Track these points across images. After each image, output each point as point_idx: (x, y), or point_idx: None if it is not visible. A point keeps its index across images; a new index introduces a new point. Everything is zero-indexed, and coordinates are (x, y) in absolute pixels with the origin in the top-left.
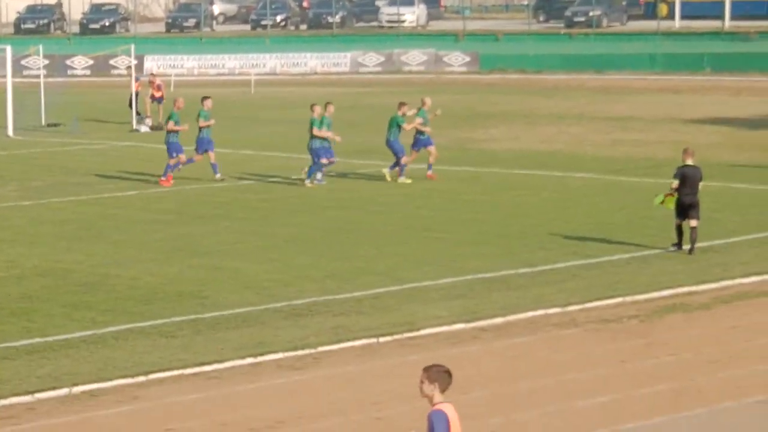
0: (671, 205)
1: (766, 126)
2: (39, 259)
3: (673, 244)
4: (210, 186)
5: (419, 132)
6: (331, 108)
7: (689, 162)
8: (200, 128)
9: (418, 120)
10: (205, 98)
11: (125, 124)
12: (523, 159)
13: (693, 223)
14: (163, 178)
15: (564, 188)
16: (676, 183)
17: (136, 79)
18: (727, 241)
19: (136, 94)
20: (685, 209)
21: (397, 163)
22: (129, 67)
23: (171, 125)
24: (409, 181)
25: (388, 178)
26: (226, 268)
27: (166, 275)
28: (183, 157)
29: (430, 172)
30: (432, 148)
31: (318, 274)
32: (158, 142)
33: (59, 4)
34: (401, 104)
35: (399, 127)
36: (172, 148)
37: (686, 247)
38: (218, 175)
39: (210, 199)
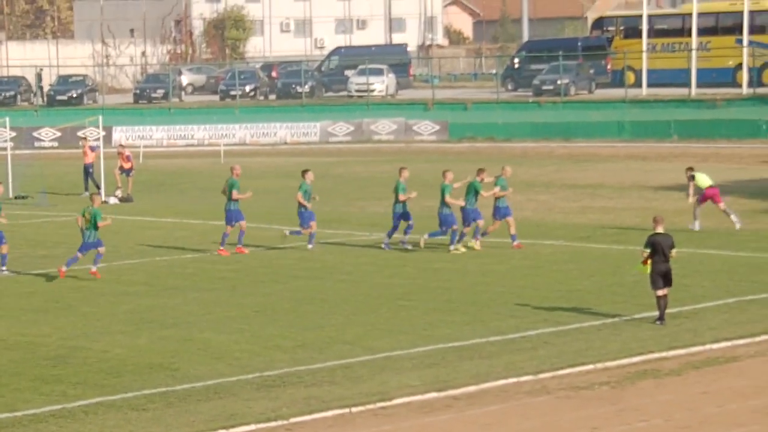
0: (647, 269)
1: (733, 192)
2: (5, 332)
3: (658, 319)
4: (179, 257)
5: (498, 200)
6: (406, 173)
7: (659, 230)
8: (235, 200)
9: (497, 189)
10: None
11: None
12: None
13: (663, 292)
14: (221, 248)
15: (533, 255)
16: (647, 252)
17: (92, 149)
18: (697, 306)
19: (91, 166)
20: (662, 277)
21: (443, 233)
22: (84, 138)
23: (235, 194)
24: (463, 249)
25: (462, 249)
26: (196, 339)
27: (135, 347)
28: (244, 223)
29: (516, 242)
30: (510, 219)
31: (288, 344)
32: (127, 213)
33: (23, 77)
34: (480, 170)
35: (477, 193)
36: (232, 217)
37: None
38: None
39: (179, 270)
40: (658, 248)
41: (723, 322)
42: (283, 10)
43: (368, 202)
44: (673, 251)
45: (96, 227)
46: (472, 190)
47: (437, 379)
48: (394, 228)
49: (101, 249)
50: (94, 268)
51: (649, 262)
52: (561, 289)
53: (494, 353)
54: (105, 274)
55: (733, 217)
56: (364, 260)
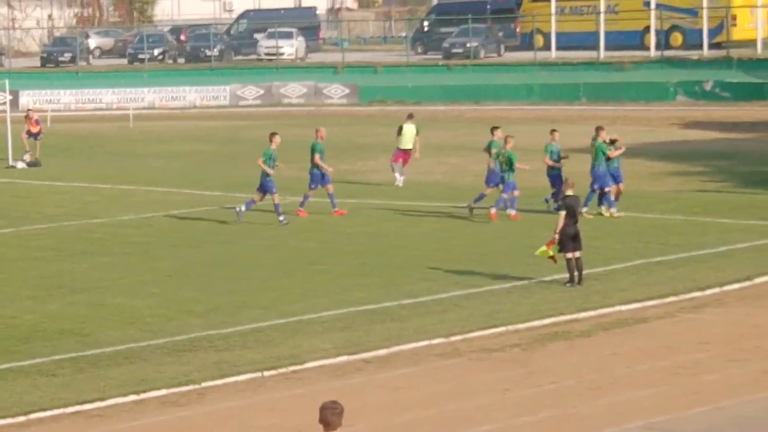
0: (554, 250)
1: (641, 155)
2: None
3: (567, 282)
4: (88, 222)
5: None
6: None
7: (570, 192)
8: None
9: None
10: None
11: (1, 160)
12: (404, 190)
13: (577, 254)
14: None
15: (445, 219)
16: (563, 213)
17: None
18: (607, 268)
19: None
20: (571, 240)
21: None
22: (3, 103)
23: (317, 158)
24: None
25: (606, 214)
26: (108, 304)
27: (45, 313)
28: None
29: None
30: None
31: (201, 308)
32: (35, 178)
33: None
34: (600, 129)
35: (604, 155)
36: (316, 180)
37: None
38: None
39: (89, 235)
40: (570, 210)
41: (632, 284)
42: None
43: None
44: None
45: None
46: (600, 152)
47: (349, 342)
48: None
49: None
50: None
51: (553, 243)
52: (473, 251)
53: (406, 316)
54: (13, 240)
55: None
56: (277, 224)
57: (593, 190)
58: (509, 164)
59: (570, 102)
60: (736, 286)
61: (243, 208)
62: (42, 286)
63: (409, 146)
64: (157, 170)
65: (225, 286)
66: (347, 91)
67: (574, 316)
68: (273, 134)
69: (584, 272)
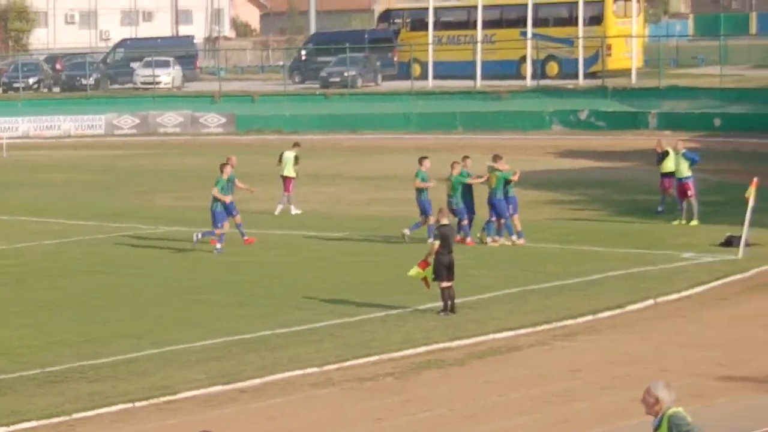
0: (428, 274)
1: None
2: None
3: (441, 311)
4: None
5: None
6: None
7: (445, 221)
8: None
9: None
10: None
11: None
12: (280, 219)
13: (448, 284)
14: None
15: (321, 248)
16: (436, 243)
17: None
18: (482, 297)
19: None
20: (446, 269)
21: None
22: None
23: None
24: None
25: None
26: None
27: None
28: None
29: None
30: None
31: (73, 339)
32: None
33: None
34: (498, 157)
35: (507, 182)
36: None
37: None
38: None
39: None
40: (445, 240)
41: (506, 312)
42: (67, 2)
43: (154, 195)
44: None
45: None
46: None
47: (223, 372)
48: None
49: None
50: None
51: (427, 265)
52: (348, 280)
53: (280, 346)
54: None
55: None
56: (153, 254)
57: (491, 220)
58: (455, 190)
59: (447, 131)
60: (608, 314)
61: (219, 246)
62: None
63: (287, 173)
64: (31, 200)
65: (98, 316)
66: (224, 120)
67: (448, 344)
68: (223, 164)
69: (459, 300)
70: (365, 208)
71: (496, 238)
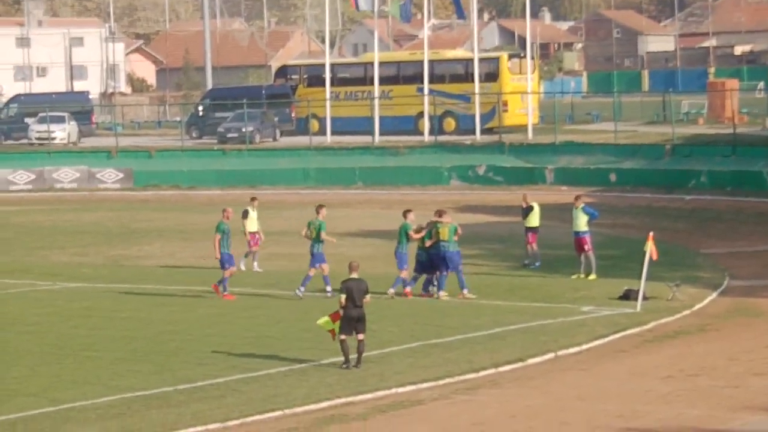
0: (337, 326)
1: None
2: None
3: (343, 364)
4: None
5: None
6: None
7: (354, 276)
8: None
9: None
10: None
11: None
12: (179, 275)
13: (360, 336)
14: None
15: (220, 303)
16: (342, 297)
17: None
18: (383, 351)
19: None
20: (351, 323)
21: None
22: None
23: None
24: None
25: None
26: None
27: None
28: (326, 267)
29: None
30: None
31: None
32: None
33: None
34: (408, 211)
35: (407, 235)
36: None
37: (352, 356)
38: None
39: None
40: (352, 293)
41: (408, 366)
42: None
43: (51, 251)
44: (367, 296)
45: None
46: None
47: (124, 429)
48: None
49: None
50: None
51: (338, 317)
52: (249, 335)
53: (182, 402)
54: None
55: None
56: (48, 311)
57: (444, 273)
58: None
59: (346, 186)
60: (509, 367)
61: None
62: None
63: (253, 229)
64: None
65: None
66: (121, 175)
67: (351, 399)
68: (407, 212)
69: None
70: (264, 263)
71: (441, 293)
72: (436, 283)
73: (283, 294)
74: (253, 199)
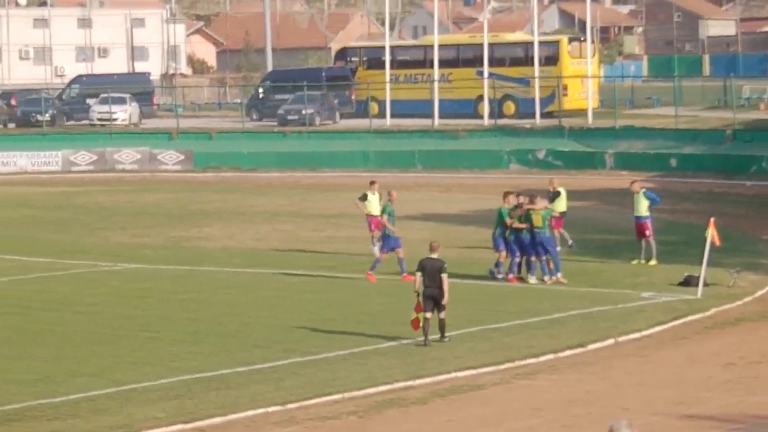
0: (420, 314)
1: (474, 222)
2: None
3: (423, 341)
4: None
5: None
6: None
7: (433, 255)
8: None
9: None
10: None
11: None
12: (237, 257)
13: (441, 315)
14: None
15: (279, 286)
16: (418, 275)
17: None
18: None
19: None
20: (429, 301)
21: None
22: None
23: (385, 220)
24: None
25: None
26: None
27: None
28: (400, 251)
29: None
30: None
31: (30, 377)
32: None
33: None
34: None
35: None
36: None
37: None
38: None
39: None
40: (426, 271)
41: (468, 351)
42: (21, 38)
43: (112, 232)
44: (444, 276)
45: None
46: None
47: (183, 410)
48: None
49: None
50: None
51: (418, 307)
52: (308, 319)
53: (241, 384)
54: None
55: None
56: (109, 291)
57: (542, 259)
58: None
59: (405, 169)
60: (569, 352)
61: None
62: None
63: (375, 212)
64: None
65: (53, 353)
66: (182, 157)
67: (410, 383)
68: (389, 192)
69: (421, 339)
70: (323, 245)
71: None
72: (514, 267)
73: (342, 276)
74: (372, 182)
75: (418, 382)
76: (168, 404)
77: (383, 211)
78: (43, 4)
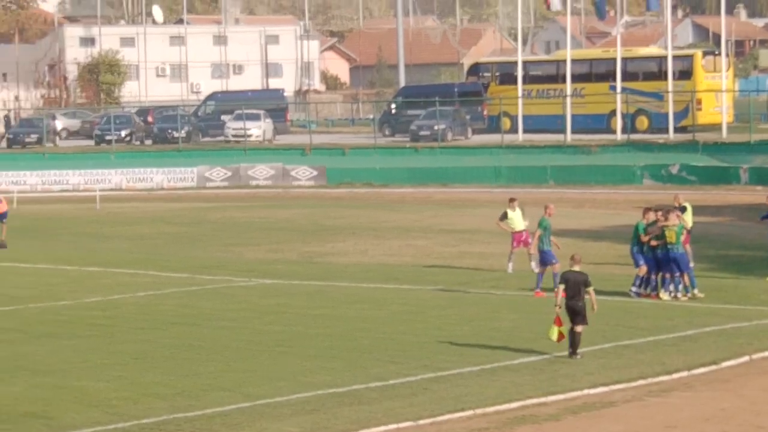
0: (555, 332)
1: (607, 238)
2: None
3: (571, 354)
4: (53, 304)
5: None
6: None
7: (575, 268)
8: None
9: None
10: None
11: None
12: (370, 272)
13: (578, 328)
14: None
15: (412, 301)
16: (561, 288)
17: None
18: None
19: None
20: (569, 314)
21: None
22: None
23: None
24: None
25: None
26: (72, 386)
27: (9, 395)
28: (557, 266)
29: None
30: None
31: (166, 391)
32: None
33: None
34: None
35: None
36: (547, 258)
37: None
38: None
39: (54, 318)
40: (569, 284)
41: (600, 367)
42: (158, 55)
43: (246, 247)
44: (590, 289)
45: None
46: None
47: (316, 425)
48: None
49: None
50: None
51: (558, 321)
52: (440, 334)
53: (374, 399)
54: None
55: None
56: (243, 306)
57: (675, 275)
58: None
59: (538, 184)
60: (703, 369)
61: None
62: (6, 368)
63: (520, 227)
64: (123, 252)
65: (190, 368)
66: (315, 173)
67: (542, 399)
68: (546, 206)
69: (551, 356)
70: (456, 260)
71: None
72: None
73: (474, 292)
74: (511, 200)
75: (550, 398)
76: (301, 419)
77: (539, 225)
78: (180, 21)
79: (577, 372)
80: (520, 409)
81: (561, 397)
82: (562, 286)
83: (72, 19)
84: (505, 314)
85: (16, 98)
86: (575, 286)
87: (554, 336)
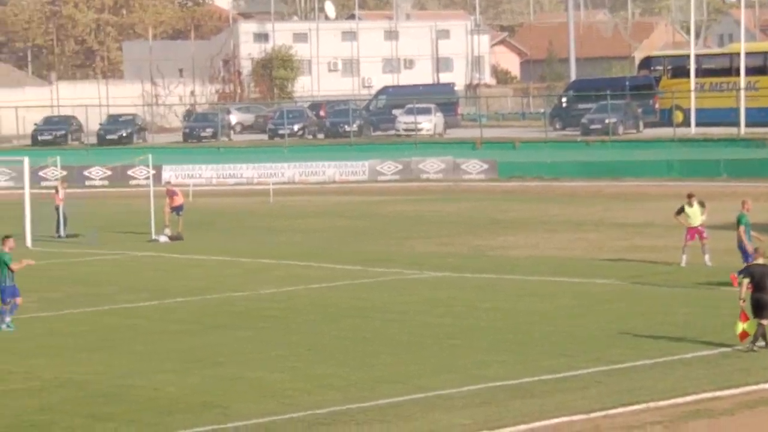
0: (751, 328)
1: None
2: (58, 370)
3: (751, 342)
4: (229, 295)
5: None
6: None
7: (759, 261)
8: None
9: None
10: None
11: (143, 234)
12: (541, 266)
13: (764, 321)
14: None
15: (583, 294)
16: (745, 281)
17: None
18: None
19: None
20: (757, 307)
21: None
22: (147, 178)
23: (741, 231)
24: None
25: None
26: (247, 377)
27: (186, 385)
28: None
29: None
30: None
31: (339, 382)
32: (177, 251)
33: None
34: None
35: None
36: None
37: (760, 344)
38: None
39: (229, 309)
40: (755, 278)
41: None
42: (330, 50)
43: (417, 240)
44: None
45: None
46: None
47: (488, 417)
48: None
49: (18, 300)
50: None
51: (743, 316)
52: (612, 327)
53: (545, 392)
54: (155, 313)
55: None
56: (414, 299)
57: None
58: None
59: (711, 178)
60: None
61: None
62: (183, 358)
63: (697, 222)
64: (296, 244)
65: (362, 360)
66: (486, 166)
67: (717, 393)
68: (744, 201)
69: (727, 350)
70: (627, 254)
71: None
72: None
73: (646, 285)
74: (690, 195)
75: (725, 392)
76: (473, 411)
77: (739, 222)
78: (352, 17)
79: (753, 366)
80: (695, 403)
81: (736, 391)
82: (746, 280)
83: (246, 16)
84: (677, 308)
85: (192, 93)
86: (762, 279)
87: (738, 331)
